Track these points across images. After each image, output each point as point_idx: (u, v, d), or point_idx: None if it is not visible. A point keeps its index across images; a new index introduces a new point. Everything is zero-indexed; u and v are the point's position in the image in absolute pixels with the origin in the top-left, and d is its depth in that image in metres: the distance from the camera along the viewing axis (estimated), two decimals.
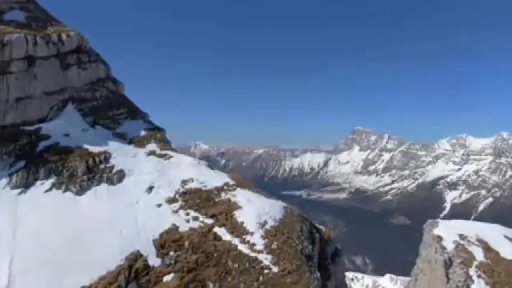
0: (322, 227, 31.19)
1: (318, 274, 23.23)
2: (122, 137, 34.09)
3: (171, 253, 22.09)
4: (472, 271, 33.63)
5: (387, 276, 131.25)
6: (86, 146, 30.74)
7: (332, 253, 29.86)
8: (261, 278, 21.19)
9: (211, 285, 20.47)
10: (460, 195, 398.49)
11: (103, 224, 23.71)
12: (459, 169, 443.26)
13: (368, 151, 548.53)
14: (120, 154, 30.92)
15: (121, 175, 28.75)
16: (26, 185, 26.63)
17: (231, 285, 20.68)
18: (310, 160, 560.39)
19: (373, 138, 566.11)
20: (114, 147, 31.77)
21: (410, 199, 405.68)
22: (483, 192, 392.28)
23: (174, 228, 24.11)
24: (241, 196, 27.54)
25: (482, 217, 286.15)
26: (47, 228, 22.97)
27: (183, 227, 24.22)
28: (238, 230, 24.29)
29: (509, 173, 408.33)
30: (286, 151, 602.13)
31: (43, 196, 26.06)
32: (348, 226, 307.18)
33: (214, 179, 29.67)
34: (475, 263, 34.46)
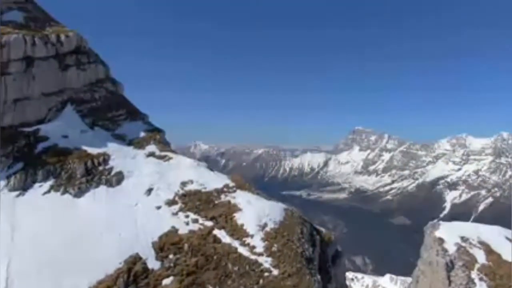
0: (322, 229, 30.99)
1: (319, 276, 23.06)
2: (121, 139, 33.85)
3: (171, 256, 21.91)
4: (474, 274, 33.44)
5: (387, 276, 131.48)
6: (85, 147, 30.51)
7: (332, 255, 29.69)
8: (261, 281, 21.00)
9: None
10: (460, 195, 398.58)
11: (102, 226, 23.54)
12: (459, 169, 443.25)
13: (368, 151, 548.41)
14: (119, 156, 30.70)
15: (120, 177, 28.53)
16: (24, 187, 26.43)
17: None
18: (310, 160, 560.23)
19: (373, 138, 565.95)
20: (113, 148, 31.55)
21: (410, 199, 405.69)
22: (483, 192, 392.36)
23: (174, 230, 23.92)
24: (241, 198, 27.33)
25: (482, 217, 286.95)
26: (45, 230, 22.81)
27: (183, 230, 24.05)
28: (238, 232, 24.10)
29: (509, 173, 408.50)
30: (286, 151, 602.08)
31: (42, 198, 25.86)
32: (348, 226, 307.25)
33: (213, 180, 29.47)
34: (477, 265, 34.26)
